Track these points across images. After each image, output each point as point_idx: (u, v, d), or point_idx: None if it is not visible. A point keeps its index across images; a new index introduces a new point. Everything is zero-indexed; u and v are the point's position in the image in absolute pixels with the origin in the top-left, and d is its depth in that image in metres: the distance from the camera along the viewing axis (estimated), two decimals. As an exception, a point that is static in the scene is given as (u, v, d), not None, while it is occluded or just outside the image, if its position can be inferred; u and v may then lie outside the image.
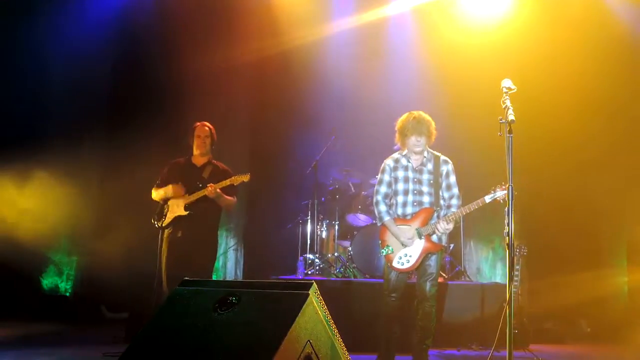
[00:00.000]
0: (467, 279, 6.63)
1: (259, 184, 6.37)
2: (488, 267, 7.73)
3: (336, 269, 6.67)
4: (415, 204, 4.16)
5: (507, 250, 3.19)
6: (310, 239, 6.97)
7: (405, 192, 4.18)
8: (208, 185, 4.71)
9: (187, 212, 4.75)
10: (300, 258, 6.95)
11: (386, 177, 4.24)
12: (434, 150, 4.30)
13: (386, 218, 4.15)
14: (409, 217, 4.15)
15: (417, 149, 4.16)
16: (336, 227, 6.92)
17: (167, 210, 4.83)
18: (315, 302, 2.47)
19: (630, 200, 6.97)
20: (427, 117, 4.18)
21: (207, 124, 5.08)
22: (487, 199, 4.04)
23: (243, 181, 4.73)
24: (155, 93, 7.56)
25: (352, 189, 7.24)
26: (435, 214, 4.17)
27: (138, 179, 5.86)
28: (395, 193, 4.22)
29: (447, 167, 4.23)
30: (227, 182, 4.73)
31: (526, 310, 5.91)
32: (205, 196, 4.72)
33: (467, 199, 4.18)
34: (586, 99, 6.92)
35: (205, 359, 2.41)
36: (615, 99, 7.05)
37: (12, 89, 6.95)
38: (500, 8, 7.59)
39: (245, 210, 8.03)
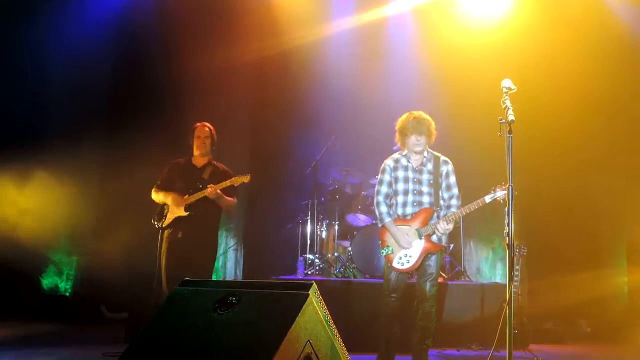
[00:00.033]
0: (467, 279, 6.63)
1: (259, 184, 6.38)
2: (488, 267, 7.73)
3: (336, 269, 6.67)
4: (415, 204, 4.16)
5: (507, 250, 3.19)
6: (310, 239, 6.97)
7: (405, 192, 4.18)
8: (208, 186, 4.70)
9: (187, 213, 4.75)
10: (300, 258, 6.95)
11: (386, 177, 4.24)
12: (434, 150, 4.30)
13: (387, 219, 4.15)
14: (408, 217, 4.15)
15: (417, 149, 4.16)
16: (336, 227, 6.92)
17: (167, 211, 4.83)
18: (315, 302, 2.47)
19: (631, 200, 6.97)
20: (427, 116, 4.19)
21: (208, 124, 5.06)
22: (487, 199, 4.04)
23: (243, 182, 4.73)
24: (155, 93, 7.56)
25: (352, 189, 7.24)
26: (435, 214, 4.17)
27: (138, 179, 5.86)
28: (395, 193, 4.22)
29: (447, 168, 4.23)
30: (228, 182, 4.72)
31: (526, 310, 5.91)
32: (205, 197, 4.71)
33: (467, 199, 4.18)
34: (586, 99, 6.93)
35: (205, 359, 2.41)
36: (615, 99, 7.06)
37: (12, 89, 6.96)
38: (500, 8, 7.59)
39: (245, 210, 8.03)
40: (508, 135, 3.26)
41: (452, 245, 6.85)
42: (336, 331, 2.57)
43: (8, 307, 6.73)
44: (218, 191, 4.70)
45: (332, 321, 2.55)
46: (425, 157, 4.23)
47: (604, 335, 6.62)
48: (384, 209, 4.18)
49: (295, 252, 7.23)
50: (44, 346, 5.08)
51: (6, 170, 6.92)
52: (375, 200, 4.26)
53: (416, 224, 4.11)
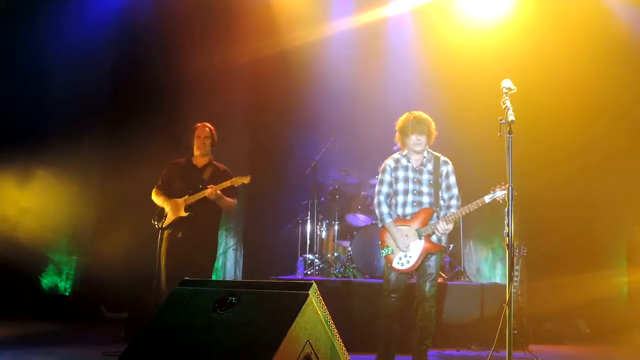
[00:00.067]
0: (467, 279, 6.63)
1: (259, 184, 6.35)
2: (488, 268, 7.73)
3: (336, 269, 6.67)
4: (414, 204, 4.16)
5: (507, 251, 3.19)
6: (309, 239, 6.97)
7: (405, 192, 4.19)
8: (208, 186, 4.70)
9: (187, 214, 4.75)
10: (300, 258, 6.96)
11: (387, 177, 4.25)
12: (434, 151, 4.31)
13: (387, 220, 4.15)
14: (408, 218, 4.15)
15: (418, 148, 4.16)
16: (336, 227, 6.92)
17: (167, 211, 4.83)
18: (315, 302, 2.47)
19: (631, 201, 6.96)
20: (427, 116, 4.19)
21: (208, 124, 5.06)
22: (487, 199, 4.04)
23: (243, 183, 4.73)
24: (154, 93, 7.57)
25: (351, 189, 7.25)
26: (435, 215, 4.17)
27: (138, 179, 5.86)
28: (395, 193, 4.22)
29: (447, 168, 4.23)
30: (228, 183, 4.72)
31: (526, 310, 5.91)
32: (205, 197, 4.71)
33: (466, 199, 4.18)
34: (589, 102, 6.92)
35: (205, 358, 2.41)
36: (618, 102, 7.04)
37: (12, 89, 6.96)
38: (500, 9, 7.58)
39: (244, 210, 8.03)
40: (508, 135, 3.26)
41: (451, 246, 6.85)
42: (336, 331, 2.57)
43: (8, 307, 6.73)
44: (218, 192, 4.70)
45: (331, 321, 2.55)
46: (425, 157, 4.24)
47: (603, 336, 6.62)
48: (385, 209, 4.18)
49: (295, 252, 7.23)
50: (43, 346, 5.07)
51: (6, 170, 6.92)
52: (376, 200, 4.25)
53: (416, 224, 4.11)
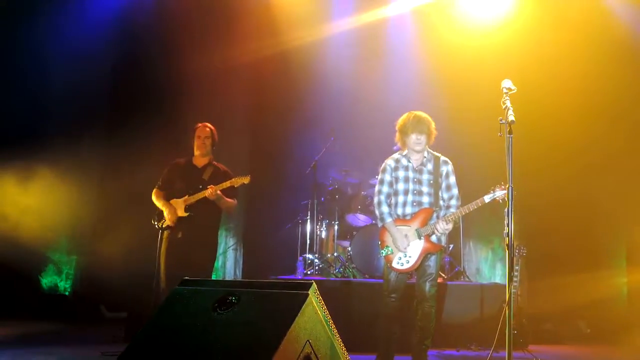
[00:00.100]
0: (467, 279, 6.63)
1: (259, 184, 6.35)
2: (487, 268, 7.73)
3: (335, 269, 6.67)
4: (414, 204, 4.16)
5: (507, 251, 3.19)
6: (309, 239, 6.98)
7: (405, 192, 4.19)
8: (208, 187, 4.70)
9: (187, 214, 4.75)
10: (300, 258, 6.96)
11: (387, 177, 4.25)
12: (433, 151, 4.31)
13: (388, 220, 4.15)
14: (408, 217, 4.15)
15: (418, 147, 4.16)
16: (335, 227, 6.92)
17: (168, 211, 4.83)
18: (314, 302, 2.47)
19: (631, 201, 6.96)
20: (427, 116, 4.20)
21: (209, 124, 5.05)
22: (487, 198, 4.04)
23: (243, 183, 4.73)
24: (154, 93, 7.57)
25: (351, 189, 7.24)
26: (435, 215, 4.17)
27: (138, 179, 5.87)
28: (395, 193, 4.23)
29: (447, 168, 4.24)
30: (228, 183, 4.72)
31: (525, 310, 5.91)
32: (205, 198, 4.71)
33: (466, 199, 4.18)
34: (588, 102, 6.91)
35: (205, 358, 2.42)
36: (617, 103, 7.04)
37: (12, 89, 6.96)
38: (501, 10, 7.58)
39: (244, 210, 8.04)
40: (508, 135, 3.26)
41: (451, 246, 6.85)
42: (336, 331, 2.57)
43: (7, 306, 6.73)
44: (218, 192, 4.70)
45: (331, 321, 2.55)
46: (425, 157, 4.24)
47: (603, 336, 6.62)
48: (385, 209, 4.18)
49: (295, 252, 7.23)
50: (43, 345, 5.07)
51: (6, 170, 6.92)
52: (376, 200, 4.25)
53: (415, 224, 4.11)
